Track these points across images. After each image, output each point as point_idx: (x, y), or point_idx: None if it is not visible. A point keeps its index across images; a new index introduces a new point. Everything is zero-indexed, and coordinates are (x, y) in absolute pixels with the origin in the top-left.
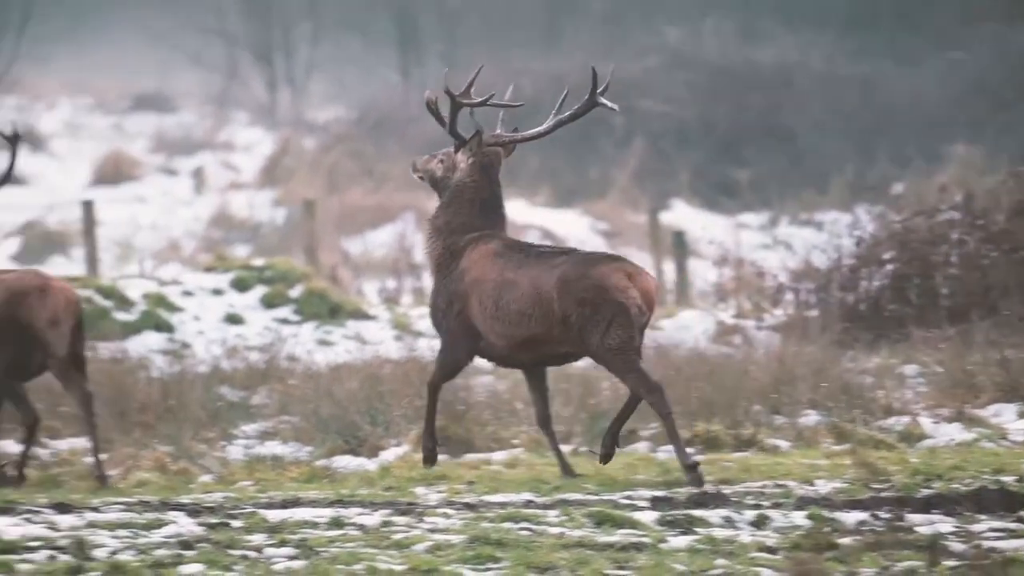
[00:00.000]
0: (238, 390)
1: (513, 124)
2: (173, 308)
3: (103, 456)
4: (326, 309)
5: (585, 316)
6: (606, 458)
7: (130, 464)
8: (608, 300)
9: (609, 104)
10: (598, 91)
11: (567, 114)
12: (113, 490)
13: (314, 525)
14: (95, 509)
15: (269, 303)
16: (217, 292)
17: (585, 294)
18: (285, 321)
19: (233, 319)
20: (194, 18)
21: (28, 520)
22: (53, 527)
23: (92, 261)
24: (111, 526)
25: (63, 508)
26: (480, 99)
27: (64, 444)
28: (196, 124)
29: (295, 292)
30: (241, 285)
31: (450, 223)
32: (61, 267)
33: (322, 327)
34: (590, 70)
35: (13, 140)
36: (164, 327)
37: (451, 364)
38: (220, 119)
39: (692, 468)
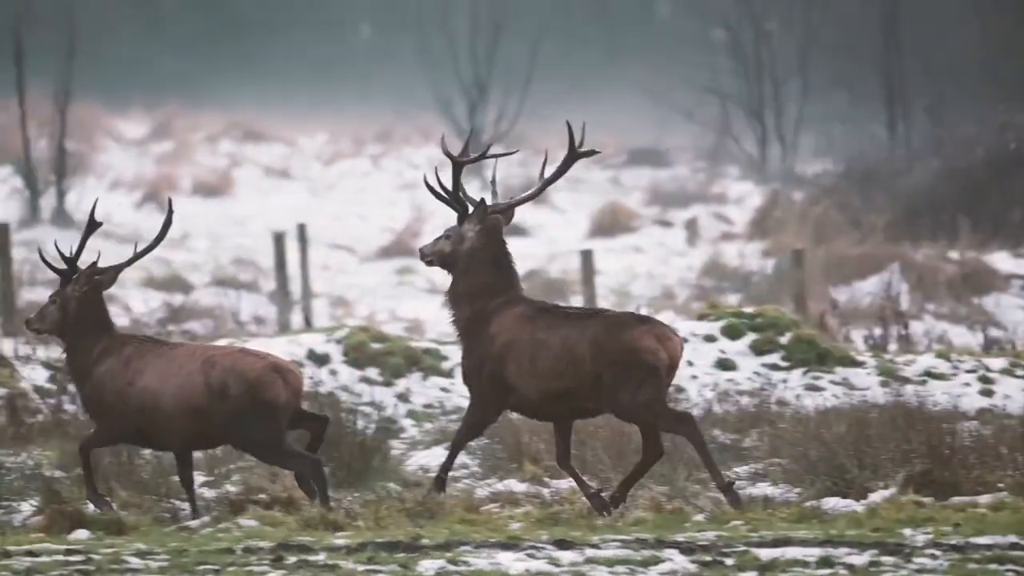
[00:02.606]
0: (730, 433)
1: (502, 193)
2: None
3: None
4: (814, 355)
5: (617, 376)
6: (614, 504)
7: (627, 503)
8: (640, 362)
9: (589, 150)
10: (576, 145)
11: (551, 174)
12: (611, 528)
13: (804, 564)
14: (594, 546)
15: (759, 349)
16: (709, 339)
17: (617, 356)
18: (774, 367)
19: (725, 364)
20: (690, 77)
21: (531, 556)
22: (555, 563)
23: None
24: (609, 562)
25: (564, 544)
26: (477, 155)
27: (564, 483)
28: (689, 178)
29: (784, 339)
30: (732, 332)
31: (471, 288)
32: None
33: (810, 373)
34: (565, 125)
35: (92, 225)
36: None
37: (479, 422)
38: (712, 173)
39: (727, 488)
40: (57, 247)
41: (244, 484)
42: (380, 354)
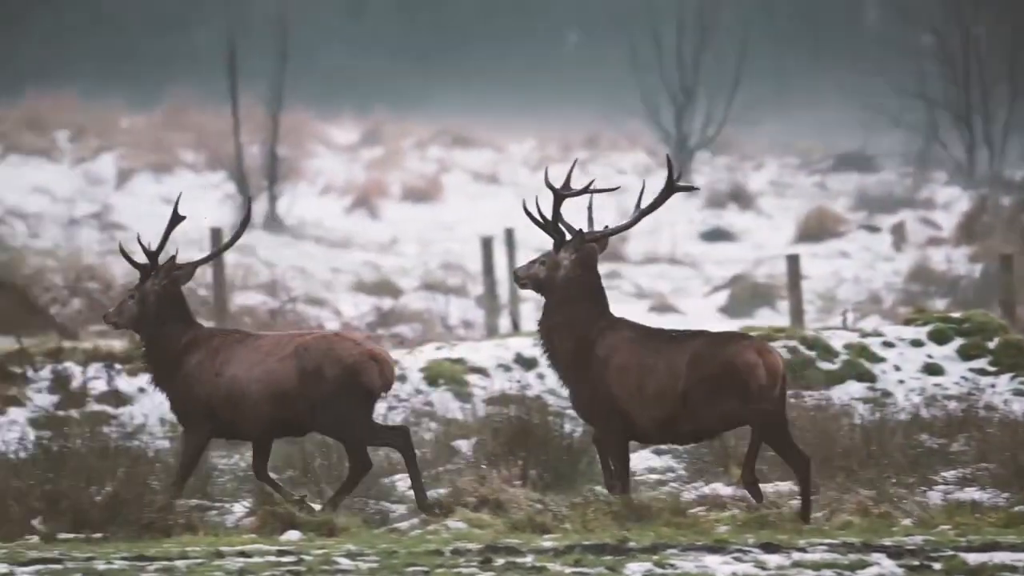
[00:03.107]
0: (937, 437)
1: (597, 222)
2: (875, 358)
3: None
4: (1023, 360)
5: (705, 392)
6: (803, 520)
7: (834, 507)
8: (733, 376)
9: (686, 185)
10: (674, 177)
11: (649, 204)
12: (818, 531)
13: (1012, 569)
14: (801, 550)
15: (966, 354)
16: (916, 344)
17: (713, 371)
18: (982, 372)
19: (932, 369)
20: (897, 82)
21: (737, 559)
22: (761, 566)
23: (797, 313)
24: (816, 566)
25: (770, 548)
26: (580, 188)
27: (770, 487)
28: (896, 183)
29: (992, 344)
30: (939, 337)
31: (571, 319)
32: (767, 319)
33: (1018, 378)
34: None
35: (175, 219)
36: (866, 376)
37: (620, 450)
38: (919, 178)
39: (751, 484)
40: (140, 241)
41: (452, 486)
42: None
